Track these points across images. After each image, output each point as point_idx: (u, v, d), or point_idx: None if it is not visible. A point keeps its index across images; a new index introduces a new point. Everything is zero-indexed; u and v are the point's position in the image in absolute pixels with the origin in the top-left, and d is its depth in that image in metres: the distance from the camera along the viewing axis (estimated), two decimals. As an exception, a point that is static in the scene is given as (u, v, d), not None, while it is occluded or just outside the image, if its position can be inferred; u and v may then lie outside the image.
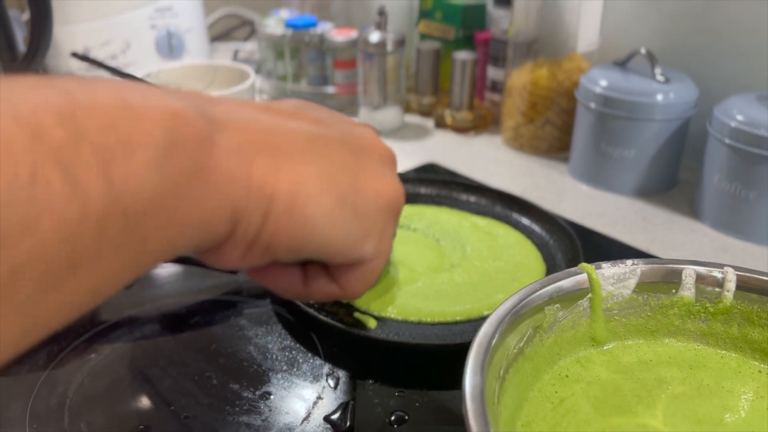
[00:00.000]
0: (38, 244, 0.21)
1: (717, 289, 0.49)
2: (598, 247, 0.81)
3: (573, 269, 0.48)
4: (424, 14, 1.26)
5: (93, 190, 0.23)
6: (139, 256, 0.26)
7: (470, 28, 1.22)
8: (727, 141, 0.81)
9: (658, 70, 0.90)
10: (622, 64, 0.96)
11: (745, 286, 0.48)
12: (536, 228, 0.81)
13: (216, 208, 0.29)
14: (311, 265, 0.39)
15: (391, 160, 0.41)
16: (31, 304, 0.22)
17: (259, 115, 0.33)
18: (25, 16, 1.19)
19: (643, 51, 0.92)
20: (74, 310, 0.25)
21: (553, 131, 1.05)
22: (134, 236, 0.25)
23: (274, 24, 1.28)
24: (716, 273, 0.49)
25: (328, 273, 0.39)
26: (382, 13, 1.09)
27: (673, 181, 0.97)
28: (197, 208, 0.28)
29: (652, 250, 0.81)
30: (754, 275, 0.48)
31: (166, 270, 0.73)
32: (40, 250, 0.22)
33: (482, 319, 0.64)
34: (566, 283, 0.47)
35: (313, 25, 1.24)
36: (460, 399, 0.37)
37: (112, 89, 0.26)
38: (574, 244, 0.73)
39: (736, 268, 0.49)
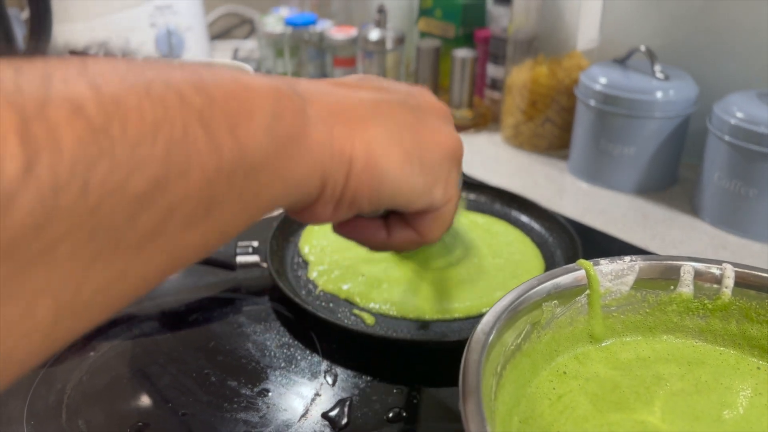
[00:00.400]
0: (189, 187, 0.25)
1: (715, 286, 0.49)
2: (598, 245, 0.81)
3: (571, 266, 0.48)
4: (424, 12, 1.26)
5: (225, 146, 0.27)
6: (254, 206, 0.31)
7: (470, 25, 1.22)
8: (727, 138, 0.81)
9: (657, 68, 0.90)
10: (622, 61, 0.95)
11: (743, 282, 0.48)
12: (536, 225, 0.81)
13: (309, 169, 0.33)
14: (392, 217, 0.44)
15: (447, 115, 0.44)
16: (178, 239, 0.26)
17: (332, 89, 0.38)
18: (25, 14, 1.19)
19: (642, 49, 0.92)
20: (206, 247, 0.29)
21: (552, 129, 1.05)
22: (251, 188, 0.29)
23: (274, 22, 1.28)
24: (715, 270, 0.49)
25: (407, 222, 0.44)
26: (381, 10, 1.09)
27: (672, 178, 0.96)
28: (295, 168, 0.32)
29: (652, 248, 0.81)
30: (753, 272, 0.48)
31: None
32: (189, 192, 0.26)
33: (480, 317, 0.64)
34: (564, 279, 0.47)
35: (313, 23, 1.24)
36: (458, 396, 0.37)
37: (226, 71, 0.30)
38: (573, 242, 0.73)
39: (734, 265, 0.49)
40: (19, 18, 1.25)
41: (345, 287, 0.68)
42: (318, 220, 0.37)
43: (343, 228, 0.44)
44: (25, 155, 0.19)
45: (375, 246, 0.45)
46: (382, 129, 0.37)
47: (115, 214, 0.22)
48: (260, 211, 0.32)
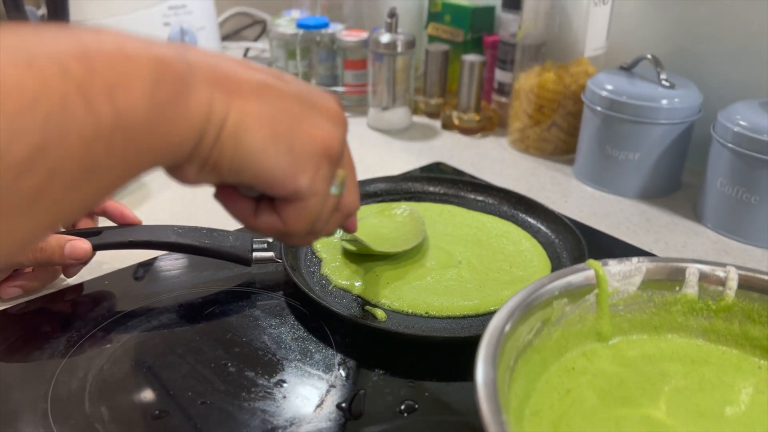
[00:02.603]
0: (68, 152, 0.28)
1: (719, 288, 0.51)
2: (603, 247, 0.83)
3: (581, 265, 0.50)
4: (433, 17, 1.28)
5: (103, 113, 0.30)
6: (135, 166, 0.34)
7: (479, 31, 1.24)
8: (730, 145, 0.83)
9: (663, 75, 0.92)
10: (629, 68, 0.97)
11: (746, 285, 0.50)
12: (542, 227, 0.83)
13: (187, 131, 0.35)
14: (264, 201, 0.45)
15: (340, 120, 0.45)
16: (61, 199, 0.30)
17: (226, 63, 0.39)
18: (41, 11, 1.21)
19: (648, 56, 0.94)
20: (90, 204, 0.33)
21: (559, 134, 1.07)
22: (132, 150, 0.32)
23: (286, 24, 1.29)
24: (719, 272, 0.51)
25: (274, 209, 0.44)
26: (393, 15, 1.11)
27: (676, 184, 0.98)
28: (175, 131, 0.34)
29: (655, 251, 0.83)
30: (756, 275, 0.50)
31: (181, 262, 0.75)
32: (69, 156, 0.28)
33: (489, 314, 0.66)
34: (574, 278, 0.49)
35: (325, 25, 1.26)
36: (469, 390, 0.38)
37: (111, 38, 0.32)
38: (579, 244, 0.75)
39: (738, 268, 0.51)
40: (35, 15, 1.27)
41: (357, 284, 0.70)
42: (184, 180, 0.39)
43: (220, 196, 0.45)
44: None
45: (241, 221, 0.46)
46: (261, 107, 0.39)
47: None
48: (141, 171, 0.35)
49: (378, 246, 0.74)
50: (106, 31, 0.33)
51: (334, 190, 0.45)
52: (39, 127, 0.27)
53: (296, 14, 1.36)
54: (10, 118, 0.26)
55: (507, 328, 0.43)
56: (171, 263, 0.75)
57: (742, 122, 0.82)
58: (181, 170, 0.38)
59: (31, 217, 0.29)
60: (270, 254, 0.71)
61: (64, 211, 0.31)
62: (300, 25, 1.25)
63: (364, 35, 1.21)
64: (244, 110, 0.38)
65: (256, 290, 0.70)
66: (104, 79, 0.30)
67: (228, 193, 0.45)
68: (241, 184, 0.43)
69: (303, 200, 0.43)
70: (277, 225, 0.45)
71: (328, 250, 0.76)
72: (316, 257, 0.76)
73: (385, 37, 1.12)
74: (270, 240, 0.73)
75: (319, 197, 0.43)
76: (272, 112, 0.39)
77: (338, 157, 0.44)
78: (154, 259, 0.76)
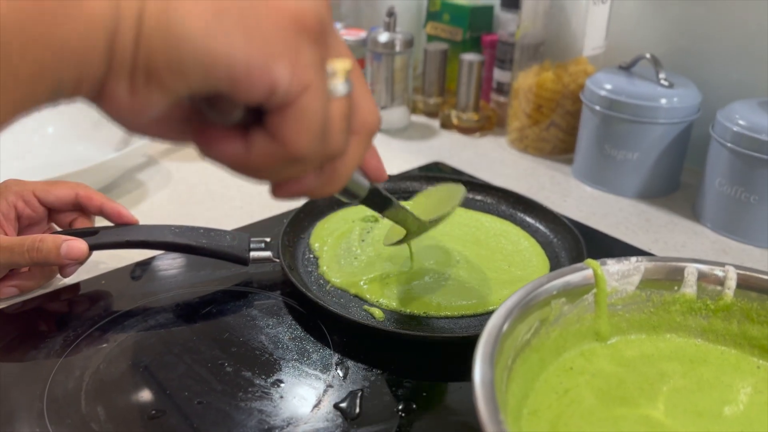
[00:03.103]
0: None
1: (718, 287, 0.51)
2: (601, 247, 0.82)
3: (579, 265, 0.50)
4: (432, 16, 1.27)
5: None
6: (14, 88, 0.26)
7: (477, 30, 1.24)
8: (729, 145, 0.82)
9: (662, 75, 0.92)
10: (627, 68, 0.97)
11: (745, 284, 0.50)
12: (541, 227, 0.82)
13: (86, 31, 0.27)
14: (252, 128, 0.34)
15: None
16: None
17: None
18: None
19: (647, 56, 0.94)
20: None
21: (557, 133, 1.07)
22: (9, 62, 0.26)
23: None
24: (718, 271, 0.51)
25: (268, 132, 0.33)
26: (391, 14, 1.11)
27: (675, 183, 0.98)
28: (62, 29, 0.26)
29: (654, 251, 0.82)
30: (755, 274, 0.50)
31: (178, 261, 0.75)
32: None
33: (487, 314, 0.66)
34: (573, 277, 0.49)
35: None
36: (467, 390, 0.38)
37: None
38: (578, 243, 0.75)
39: (736, 267, 0.50)
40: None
41: (355, 283, 0.70)
42: (118, 107, 0.30)
43: (198, 138, 0.35)
44: None
45: (234, 164, 0.35)
46: None
47: None
48: (30, 94, 0.27)
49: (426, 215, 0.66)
50: None
51: (340, 87, 0.34)
52: None
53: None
54: None
55: (505, 327, 0.43)
56: (168, 263, 0.75)
57: (741, 122, 0.82)
58: (107, 93, 0.30)
59: None
60: (267, 254, 0.71)
61: None
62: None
63: (362, 34, 1.21)
64: None
65: (253, 290, 0.70)
66: None
67: (206, 134, 0.34)
68: (199, 99, 0.33)
69: (293, 100, 0.31)
70: (278, 151, 0.33)
71: (326, 249, 0.76)
72: (314, 256, 0.75)
73: (383, 37, 1.12)
74: (267, 239, 0.72)
75: (314, 91, 0.32)
76: None
77: (319, 32, 0.32)
78: (151, 258, 0.75)
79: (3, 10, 0.25)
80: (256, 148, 0.33)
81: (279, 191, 0.38)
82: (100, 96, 0.30)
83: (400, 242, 0.65)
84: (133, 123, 0.32)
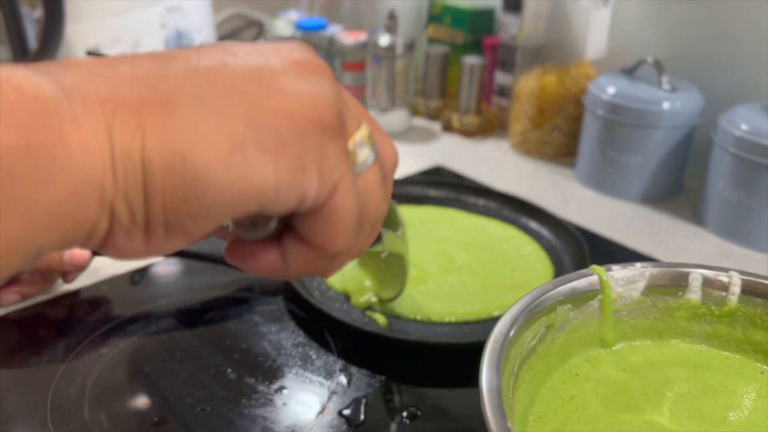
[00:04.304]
0: None
1: (722, 293, 0.51)
2: (604, 251, 0.82)
3: (584, 270, 0.50)
4: (433, 18, 1.27)
5: None
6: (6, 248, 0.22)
7: (478, 33, 1.24)
8: (731, 150, 0.82)
9: (664, 79, 0.92)
10: (630, 71, 0.97)
11: (749, 290, 0.50)
12: (544, 231, 0.82)
13: (72, 191, 0.23)
14: (285, 235, 0.31)
15: (317, 71, 0.30)
16: None
17: (120, 67, 0.26)
18: (37, 12, 1.21)
19: (650, 60, 0.93)
20: None
21: (560, 137, 1.07)
22: None
23: (284, 25, 1.29)
24: (722, 277, 0.50)
25: (300, 237, 0.31)
26: (392, 17, 1.11)
27: (678, 187, 0.98)
28: (42, 192, 0.23)
29: (657, 255, 0.82)
30: (759, 279, 0.50)
31: (178, 267, 0.75)
32: None
33: (491, 320, 0.66)
34: (578, 283, 0.49)
35: (323, 27, 1.25)
36: (471, 396, 0.38)
37: None
38: (581, 248, 0.75)
39: (741, 273, 0.50)
40: (30, 16, 1.26)
41: (358, 289, 0.70)
42: (129, 255, 0.27)
43: (233, 256, 0.32)
44: None
45: (274, 275, 0.32)
46: (189, 112, 0.26)
47: None
48: (27, 254, 0.23)
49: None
50: None
51: (369, 157, 0.31)
52: None
53: (294, 15, 1.35)
54: None
55: (511, 333, 0.43)
56: (168, 268, 0.75)
57: (743, 126, 0.82)
58: (114, 246, 0.26)
59: None
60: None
61: None
62: (298, 27, 1.25)
63: (362, 37, 1.21)
64: (168, 128, 0.25)
65: (255, 295, 0.70)
66: None
67: (239, 250, 0.32)
68: (236, 226, 0.31)
69: (324, 206, 0.29)
70: (313, 256, 0.31)
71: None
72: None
73: (384, 39, 1.12)
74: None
75: (344, 188, 0.29)
76: (212, 111, 0.26)
77: (339, 123, 0.29)
78: (151, 264, 0.75)
79: None
80: (292, 257, 0.31)
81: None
82: (100, 246, 0.27)
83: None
84: (138, 259, 0.28)
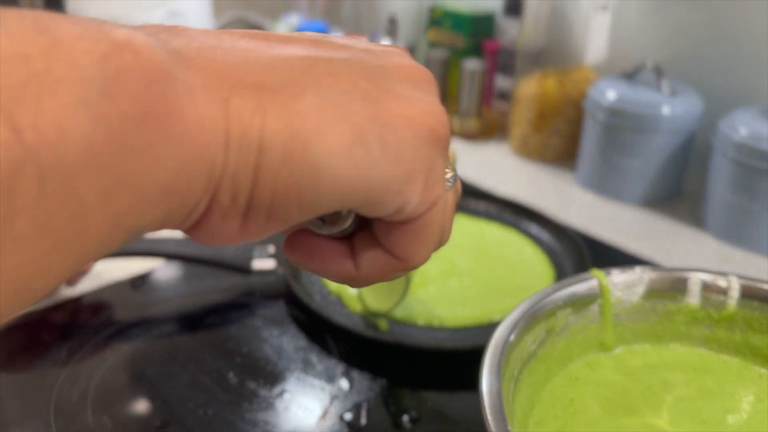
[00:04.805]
0: None
1: (721, 297, 0.51)
2: (604, 255, 0.83)
3: (584, 275, 0.50)
4: (434, 22, 1.28)
5: (26, 138, 0.17)
6: (78, 236, 0.20)
7: (478, 37, 1.24)
8: (731, 154, 0.83)
9: (664, 83, 0.92)
10: (630, 75, 0.97)
11: (747, 294, 0.50)
12: (544, 235, 0.83)
13: (182, 167, 0.22)
14: (358, 237, 0.30)
15: (427, 81, 0.29)
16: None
17: (237, 42, 0.25)
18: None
19: (649, 65, 0.94)
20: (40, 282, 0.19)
21: (560, 140, 1.07)
22: (64, 207, 0.19)
23: (285, 29, 1.29)
24: (721, 281, 0.51)
25: (378, 242, 0.29)
26: (392, 21, 1.11)
27: (678, 191, 0.98)
28: (154, 167, 0.21)
29: (657, 259, 0.83)
30: (757, 284, 0.50)
31: (180, 271, 0.75)
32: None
33: (492, 324, 0.66)
34: (578, 288, 0.49)
35: (324, 31, 1.26)
36: (471, 400, 0.38)
37: (28, 15, 0.19)
38: (581, 252, 0.75)
39: (739, 277, 0.51)
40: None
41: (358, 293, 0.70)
42: (219, 238, 0.25)
43: (294, 252, 0.30)
44: None
45: (341, 279, 0.30)
46: (314, 97, 0.24)
47: None
48: (97, 241, 0.21)
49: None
50: (18, 9, 0.19)
51: (452, 179, 0.30)
52: None
53: (294, 19, 1.36)
54: None
55: (512, 337, 0.43)
56: (170, 273, 0.75)
57: (742, 130, 0.82)
58: (206, 229, 0.25)
59: None
60: (270, 263, 0.71)
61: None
62: (299, 31, 1.25)
63: (363, 40, 1.21)
64: (291, 112, 0.24)
65: (256, 299, 0.70)
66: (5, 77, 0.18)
67: (305, 247, 0.30)
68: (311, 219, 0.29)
69: (420, 218, 0.28)
70: (392, 264, 0.29)
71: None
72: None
73: (385, 43, 1.12)
74: (271, 249, 0.73)
75: (440, 205, 0.29)
76: (335, 100, 0.25)
77: (447, 142, 0.28)
78: (153, 269, 0.75)
79: (78, 138, 0.19)
80: (367, 263, 0.30)
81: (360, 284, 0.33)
82: (192, 228, 0.25)
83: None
84: (227, 244, 0.27)
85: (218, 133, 0.22)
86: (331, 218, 0.29)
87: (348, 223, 0.29)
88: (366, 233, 0.30)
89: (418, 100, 0.27)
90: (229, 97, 0.23)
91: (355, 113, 0.25)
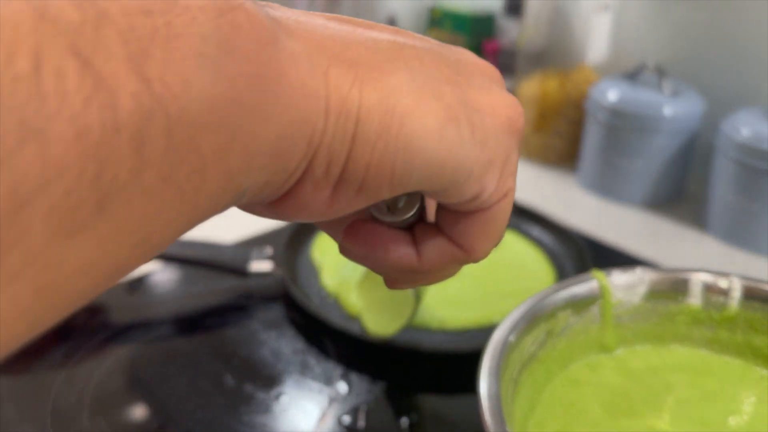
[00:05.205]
0: (49, 161, 0.16)
1: (723, 298, 0.50)
2: (606, 256, 0.82)
3: (585, 276, 0.50)
4: (434, 23, 1.28)
5: (123, 89, 0.17)
6: (195, 193, 0.20)
7: (479, 37, 1.24)
8: (732, 155, 0.82)
9: (666, 83, 0.92)
10: (631, 76, 0.97)
11: (749, 294, 0.50)
12: (546, 238, 0.82)
13: (287, 130, 0.22)
14: (419, 228, 0.30)
15: (499, 77, 0.30)
16: (46, 257, 0.16)
17: (329, 22, 0.26)
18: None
19: (650, 65, 0.94)
20: (111, 270, 0.19)
21: (561, 141, 1.07)
22: (187, 161, 0.19)
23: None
24: (722, 282, 0.50)
25: (441, 232, 0.29)
26: (391, 21, 1.11)
27: (680, 192, 0.98)
28: (263, 127, 0.21)
29: (659, 260, 0.82)
30: (759, 285, 0.50)
31: (177, 274, 0.75)
32: (52, 170, 0.16)
33: (492, 327, 0.65)
34: (578, 289, 0.49)
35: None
36: (470, 403, 0.38)
37: None
38: (582, 254, 0.75)
39: (741, 278, 0.50)
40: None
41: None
42: (309, 213, 0.25)
43: (354, 240, 0.30)
44: None
45: (402, 269, 0.30)
46: (408, 75, 0.25)
47: None
48: (210, 201, 0.21)
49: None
50: None
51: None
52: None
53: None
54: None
55: (511, 339, 0.43)
56: (167, 275, 0.75)
57: (744, 131, 0.82)
58: (297, 199, 0.25)
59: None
60: (268, 265, 0.71)
61: (60, 282, 0.17)
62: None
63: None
64: (388, 86, 0.24)
65: (253, 302, 0.70)
66: (124, 30, 0.17)
67: (367, 235, 0.29)
68: (376, 205, 0.29)
69: (490, 209, 0.28)
70: (455, 255, 0.29)
71: (328, 260, 0.76)
72: (315, 268, 0.75)
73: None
74: (269, 251, 0.72)
75: (510, 197, 0.29)
76: (423, 80, 0.25)
77: (522, 133, 0.29)
78: (150, 271, 0.75)
79: (199, 92, 0.19)
80: (431, 252, 0.29)
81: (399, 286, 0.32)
82: (282, 198, 0.25)
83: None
84: (307, 219, 0.27)
85: (319, 100, 0.22)
86: (395, 207, 0.29)
87: (413, 210, 0.29)
88: (427, 225, 0.30)
89: (498, 93, 0.28)
90: (329, 67, 0.23)
91: (448, 95, 0.25)
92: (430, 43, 0.28)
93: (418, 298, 0.61)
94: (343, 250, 0.30)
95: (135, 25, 0.17)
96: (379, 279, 0.44)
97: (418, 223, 0.30)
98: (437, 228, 0.29)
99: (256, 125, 0.21)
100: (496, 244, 0.30)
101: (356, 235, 0.29)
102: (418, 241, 0.29)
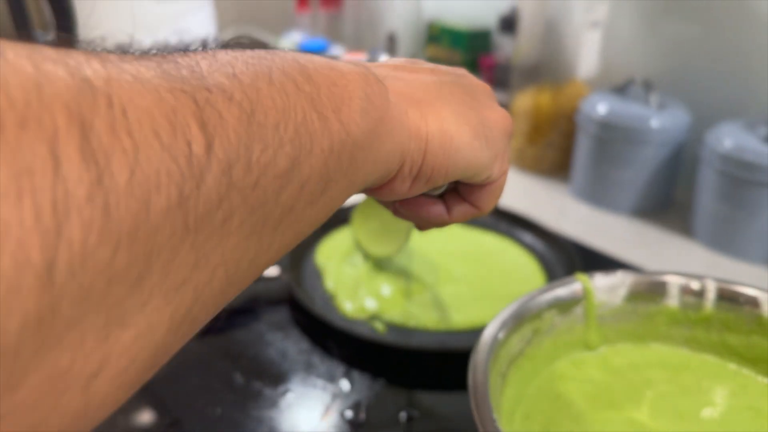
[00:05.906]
0: (313, 165, 0.29)
1: (698, 299, 0.54)
2: (597, 263, 0.85)
3: (569, 278, 0.53)
4: (432, 39, 1.31)
5: (334, 128, 0.30)
6: (354, 183, 0.33)
7: (475, 52, 1.28)
8: (717, 165, 0.86)
9: (653, 97, 0.96)
10: (620, 90, 1.01)
11: (723, 296, 0.53)
12: (538, 244, 0.86)
13: (392, 148, 0.35)
14: (449, 196, 0.44)
15: (491, 92, 0.45)
16: (303, 214, 0.29)
17: (396, 74, 0.39)
18: (49, 36, 1.24)
19: (638, 79, 0.97)
20: (317, 223, 0.32)
21: (554, 153, 1.10)
22: (353, 166, 0.32)
23: (288, 46, 1.33)
24: (698, 284, 0.54)
25: (463, 198, 0.44)
26: (392, 38, 1.15)
27: (668, 201, 1.02)
28: (382, 147, 0.34)
29: (648, 267, 0.85)
30: (731, 287, 0.53)
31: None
32: (313, 170, 0.29)
33: (485, 328, 0.69)
34: (563, 291, 0.52)
35: (325, 48, 1.29)
36: (464, 399, 0.42)
37: (318, 58, 0.33)
38: (573, 260, 0.78)
39: (715, 280, 0.54)
40: (44, 39, 1.30)
41: (359, 298, 0.73)
42: (394, 195, 0.39)
43: (406, 207, 0.44)
44: (204, 137, 0.23)
45: (435, 222, 0.45)
46: (450, 109, 0.39)
47: (267, 190, 0.26)
48: (357, 188, 0.34)
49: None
50: (305, 54, 0.33)
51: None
52: (292, 140, 0.27)
53: (297, 37, 1.40)
54: (273, 129, 0.27)
55: (500, 336, 0.46)
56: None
57: (727, 142, 0.85)
58: (391, 188, 0.38)
59: (280, 233, 0.28)
60: (274, 269, 0.75)
61: (301, 229, 0.30)
62: (302, 48, 1.29)
63: (363, 57, 1.25)
64: (440, 119, 0.38)
65: (261, 305, 0.73)
66: (329, 95, 0.31)
67: (414, 203, 0.44)
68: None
69: (495, 182, 0.43)
70: (472, 211, 0.45)
71: (331, 265, 0.79)
72: (318, 272, 0.79)
73: (384, 59, 1.16)
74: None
75: (506, 175, 0.44)
76: (460, 111, 0.39)
77: (512, 133, 0.45)
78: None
79: (358, 126, 0.31)
80: (457, 211, 0.44)
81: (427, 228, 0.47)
82: (380, 188, 0.38)
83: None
84: (392, 199, 0.40)
85: (405, 130, 0.36)
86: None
87: (445, 187, 0.44)
88: (453, 194, 0.44)
89: (498, 109, 0.43)
90: (407, 109, 0.36)
91: (471, 119, 0.39)
92: (450, 75, 0.42)
93: (408, 230, 0.74)
94: (397, 213, 0.45)
95: (331, 93, 0.30)
96: (370, 213, 0.78)
97: (447, 193, 0.44)
98: (460, 195, 0.44)
99: (380, 146, 0.33)
100: (498, 200, 0.45)
101: (409, 203, 0.44)
102: (448, 205, 0.44)
